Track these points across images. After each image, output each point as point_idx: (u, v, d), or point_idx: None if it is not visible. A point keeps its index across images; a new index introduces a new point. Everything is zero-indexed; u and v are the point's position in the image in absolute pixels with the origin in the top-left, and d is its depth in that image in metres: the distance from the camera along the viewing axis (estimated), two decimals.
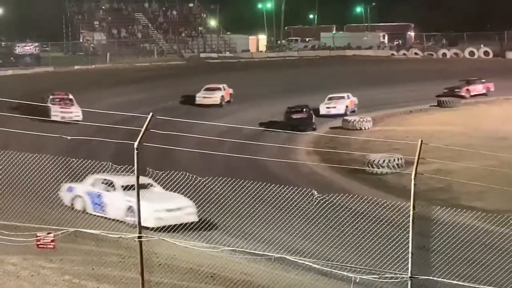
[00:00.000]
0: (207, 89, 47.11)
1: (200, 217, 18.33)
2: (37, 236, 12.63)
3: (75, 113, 37.78)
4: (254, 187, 14.74)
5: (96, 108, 33.23)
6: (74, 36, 78.54)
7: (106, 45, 74.90)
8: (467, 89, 49.95)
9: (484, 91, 50.62)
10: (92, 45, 76.63)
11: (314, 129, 39.41)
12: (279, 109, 41.07)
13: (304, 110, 41.07)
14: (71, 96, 39.85)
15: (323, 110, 43.93)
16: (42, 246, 12.53)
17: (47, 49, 72.97)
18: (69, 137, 18.24)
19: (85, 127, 33.38)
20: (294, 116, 40.00)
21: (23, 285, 13.41)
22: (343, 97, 45.22)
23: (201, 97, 46.26)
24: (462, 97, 49.16)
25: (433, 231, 14.60)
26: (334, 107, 44.03)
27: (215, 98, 46.12)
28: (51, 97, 40.03)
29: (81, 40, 78.30)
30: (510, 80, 53.09)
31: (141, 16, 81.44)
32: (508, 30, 75.90)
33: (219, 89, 47.26)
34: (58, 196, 17.92)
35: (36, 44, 69.53)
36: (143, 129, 11.92)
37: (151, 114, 12.25)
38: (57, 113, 37.97)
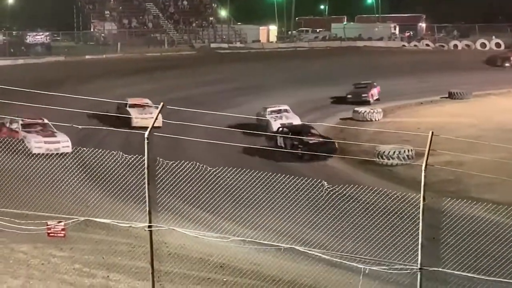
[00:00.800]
0: (136, 106, 37.07)
1: (211, 207, 18.36)
2: (47, 225, 12.68)
3: (64, 143, 28.62)
4: (264, 177, 14.74)
5: (107, 98, 33.39)
6: (85, 26, 78.59)
7: (117, 35, 74.90)
8: (371, 94, 46.71)
9: (377, 96, 47.12)
10: (102, 35, 76.67)
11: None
12: (287, 101, 40.69)
13: (313, 130, 32.65)
14: (46, 121, 29.04)
15: (275, 126, 34.96)
16: (52, 234, 12.58)
17: (58, 38, 73.15)
18: (80, 127, 18.31)
19: (96, 117, 33.49)
20: (311, 141, 31.16)
21: (33, 274, 13.47)
22: (286, 110, 37.64)
23: (139, 118, 35.46)
24: (368, 102, 45.23)
25: (443, 222, 14.57)
26: (291, 123, 35.61)
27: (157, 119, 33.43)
28: (21, 123, 29.92)
29: (91, 30, 78.35)
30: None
31: (151, 6, 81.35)
32: None
33: (149, 106, 36.72)
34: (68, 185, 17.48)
35: (47, 33, 69.65)
36: (154, 119, 11.93)
37: (161, 104, 12.26)
38: (40, 144, 28.43)
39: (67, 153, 26.15)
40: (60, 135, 29.16)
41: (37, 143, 28.47)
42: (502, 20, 78.97)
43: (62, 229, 12.51)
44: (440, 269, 11.36)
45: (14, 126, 30.12)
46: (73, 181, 16.89)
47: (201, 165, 14.22)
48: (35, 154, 25.62)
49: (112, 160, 14.89)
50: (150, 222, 11.92)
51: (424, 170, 10.50)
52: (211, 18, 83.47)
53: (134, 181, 14.99)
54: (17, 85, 19.64)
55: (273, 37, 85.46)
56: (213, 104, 42.01)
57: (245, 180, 15.00)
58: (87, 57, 64.60)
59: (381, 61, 61.43)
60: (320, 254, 12.18)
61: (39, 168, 15.76)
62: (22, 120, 29.59)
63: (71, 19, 77.89)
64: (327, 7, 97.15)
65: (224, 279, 13.97)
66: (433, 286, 12.65)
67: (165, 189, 14.14)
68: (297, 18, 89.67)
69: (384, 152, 29.87)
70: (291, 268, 14.44)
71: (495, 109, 42.80)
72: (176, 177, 14.26)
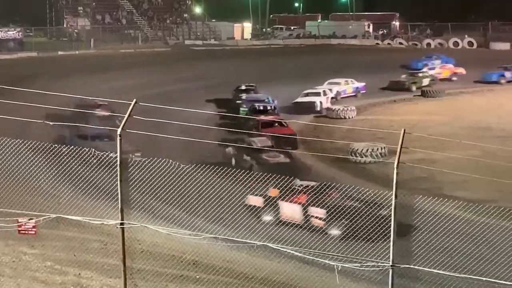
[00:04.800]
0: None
1: (183, 204, 18.30)
2: (18, 222, 12.54)
3: None
4: (238, 175, 14.71)
5: (80, 94, 33.02)
6: (58, 22, 77.90)
7: (90, 31, 74.35)
8: None
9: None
10: (76, 30, 76.06)
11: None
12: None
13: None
14: None
15: None
16: (23, 232, 12.43)
17: (31, 34, 72.42)
18: (51, 123, 18.09)
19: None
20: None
21: (4, 271, 13.33)
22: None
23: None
24: None
25: (415, 220, 14.66)
26: None
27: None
28: None
29: (65, 26, 77.72)
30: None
31: (125, 2, 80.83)
32: (492, 21, 76.18)
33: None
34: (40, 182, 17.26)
35: (19, 29, 68.95)
36: (126, 116, 11.85)
37: (134, 100, 12.18)
38: None
39: None
40: None
41: None
42: (475, 20, 79.67)
43: (33, 226, 12.37)
44: (411, 266, 11.42)
45: None
46: (45, 177, 16.71)
47: (174, 162, 14.15)
48: None
49: (85, 157, 14.77)
50: (122, 219, 11.84)
51: (396, 168, 10.53)
52: (185, 15, 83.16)
53: (106, 178, 14.88)
54: None
55: (247, 34, 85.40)
56: (186, 100, 41.94)
57: (218, 177, 14.97)
58: (60, 53, 64.10)
59: (355, 59, 61.64)
60: (292, 252, 12.18)
61: (10, 164, 15.57)
62: None
63: (43, 14, 77.10)
64: (301, 4, 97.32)
65: (197, 277, 13.93)
66: (405, 283, 12.74)
67: (137, 186, 14.06)
68: (271, 16, 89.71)
69: (357, 149, 29.97)
70: (264, 266, 14.44)
71: (468, 108, 43.17)
72: (149, 174, 14.19)
